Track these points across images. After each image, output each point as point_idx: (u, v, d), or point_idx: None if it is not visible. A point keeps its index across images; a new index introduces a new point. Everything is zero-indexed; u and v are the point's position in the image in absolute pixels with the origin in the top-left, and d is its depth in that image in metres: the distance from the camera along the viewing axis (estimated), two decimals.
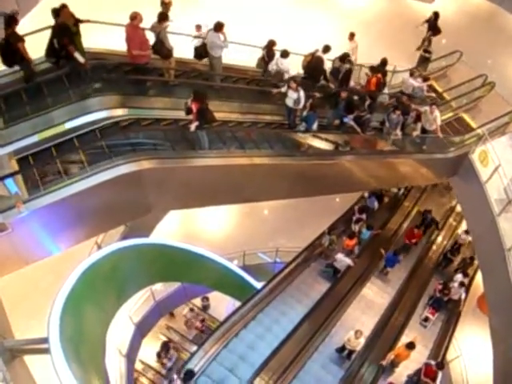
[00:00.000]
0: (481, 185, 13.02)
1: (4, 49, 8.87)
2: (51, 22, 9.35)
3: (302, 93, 11.37)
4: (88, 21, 9.85)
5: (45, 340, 9.36)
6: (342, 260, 14.96)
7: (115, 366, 14.43)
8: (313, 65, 13.03)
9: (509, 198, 12.36)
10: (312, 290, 14.96)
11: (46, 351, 9.26)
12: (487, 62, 18.97)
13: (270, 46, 12.39)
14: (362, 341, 12.38)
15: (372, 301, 15.27)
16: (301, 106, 11.64)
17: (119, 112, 10.28)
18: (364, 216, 16.93)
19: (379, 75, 13.85)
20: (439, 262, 17.49)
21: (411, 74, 15.13)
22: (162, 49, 10.77)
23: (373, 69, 14.00)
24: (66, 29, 9.25)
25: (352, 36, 15.10)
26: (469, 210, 14.91)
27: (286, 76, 12.63)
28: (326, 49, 12.94)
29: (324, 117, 12.90)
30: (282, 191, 12.61)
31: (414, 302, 15.55)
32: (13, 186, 8.05)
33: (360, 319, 14.35)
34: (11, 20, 8.80)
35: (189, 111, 9.70)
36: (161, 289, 16.53)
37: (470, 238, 16.85)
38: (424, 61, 17.07)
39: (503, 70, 19.09)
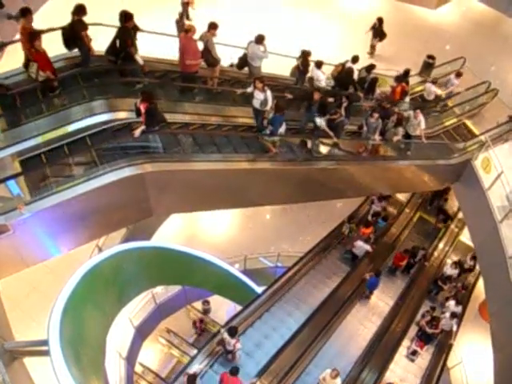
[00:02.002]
0: (483, 192, 13.00)
1: (68, 33, 9.49)
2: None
3: (268, 93, 10.74)
4: (141, 30, 10.43)
5: (45, 342, 9.33)
6: (361, 246, 15.96)
7: (115, 368, 14.39)
8: (344, 75, 13.57)
9: (511, 206, 12.34)
10: (333, 274, 15.88)
11: (46, 353, 9.24)
12: (491, 68, 18.97)
13: (305, 56, 12.83)
14: (338, 382, 11.11)
15: (355, 333, 14.21)
16: (268, 107, 10.95)
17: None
18: (384, 203, 18.29)
19: (404, 84, 14.21)
20: (430, 289, 16.66)
21: (434, 82, 15.59)
22: (208, 57, 11.30)
23: (397, 78, 14.37)
24: (129, 32, 9.93)
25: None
26: (471, 217, 14.86)
27: (318, 84, 13.02)
28: (355, 59, 13.64)
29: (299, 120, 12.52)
30: (283, 196, 12.62)
31: (402, 333, 14.60)
32: (15, 187, 8.05)
33: (341, 353, 13.36)
34: (80, 9, 9.31)
35: (138, 112, 9.25)
36: (161, 292, 16.52)
37: (457, 271, 16.26)
38: (427, 67, 17.08)
39: (506, 77, 19.08)
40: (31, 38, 8.82)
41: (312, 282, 15.34)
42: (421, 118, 13.11)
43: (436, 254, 18.14)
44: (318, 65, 13.12)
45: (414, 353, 14.37)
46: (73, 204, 8.49)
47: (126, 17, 9.82)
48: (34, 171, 8.84)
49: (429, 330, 14.56)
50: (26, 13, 8.90)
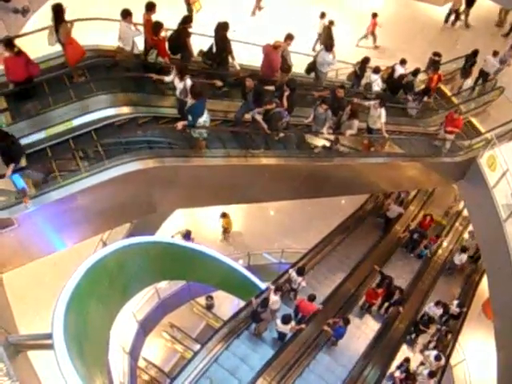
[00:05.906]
0: (488, 189, 12.97)
1: (174, 40, 10.51)
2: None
3: (188, 81, 9.61)
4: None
5: (49, 336, 9.36)
6: (396, 210, 17.58)
7: (118, 363, 14.45)
8: (396, 79, 14.85)
9: None
10: (369, 234, 17.74)
11: (50, 347, 9.28)
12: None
13: (364, 62, 14.10)
14: None
15: None
16: (189, 97, 9.68)
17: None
18: None
19: (440, 73, 15.69)
20: (409, 331, 14.63)
21: (494, 54, 16.54)
22: (283, 64, 12.03)
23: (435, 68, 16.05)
24: (227, 40, 10.82)
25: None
26: (475, 215, 14.84)
27: (375, 88, 14.21)
28: (403, 62, 14.97)
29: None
30: (287, 192, 12.60)
31: None
32: (20, 181, 8.07)
33: None
34: (187, 19, 10.50)
35: None
36: (165, 287, 16.55)
37: (440, 311, 14.46)
38: (433, 64, 17.00)
39: None
40: (155, 28, 9.93)
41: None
42: (380, 110, 11.99)
43: (440, 251, 18.09)
44: (376, 70, 14.31)
45: None
46: (77, 198, 8.51)
47: (224, 26, 10.71)
48: (39, 165, 8.87)
49: None
50: (151, 7, 9.98)
